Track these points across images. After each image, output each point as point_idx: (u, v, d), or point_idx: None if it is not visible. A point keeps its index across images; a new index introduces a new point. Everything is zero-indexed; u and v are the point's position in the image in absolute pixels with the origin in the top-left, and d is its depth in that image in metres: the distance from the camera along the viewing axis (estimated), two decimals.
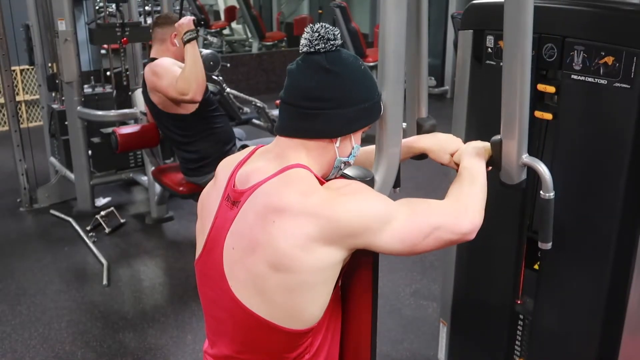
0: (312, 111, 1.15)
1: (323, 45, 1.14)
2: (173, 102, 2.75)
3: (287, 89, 1.18)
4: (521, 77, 1.29)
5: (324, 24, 1.16)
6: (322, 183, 1.16)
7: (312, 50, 1.14)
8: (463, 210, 1.20)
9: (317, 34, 1.14)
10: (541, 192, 1.36)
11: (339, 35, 1.16)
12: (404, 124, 1.61)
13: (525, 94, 1.31)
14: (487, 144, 1.38)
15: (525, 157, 1.37)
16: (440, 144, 1.38)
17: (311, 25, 1.16)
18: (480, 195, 1.26)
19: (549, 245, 1.42)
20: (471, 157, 1.32)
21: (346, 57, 1.17)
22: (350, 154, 1.21)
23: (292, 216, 1.08)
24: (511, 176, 1.39)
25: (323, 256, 1.09)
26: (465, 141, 1.39)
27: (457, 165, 1.34)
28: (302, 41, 1.16)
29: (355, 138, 1.22)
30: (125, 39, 3.83)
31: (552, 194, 1.36)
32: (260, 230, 1.10)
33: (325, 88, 1.14)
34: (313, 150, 1.17)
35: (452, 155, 1.36)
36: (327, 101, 1.14)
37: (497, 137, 1.37)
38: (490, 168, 1.39)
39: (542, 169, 1.36)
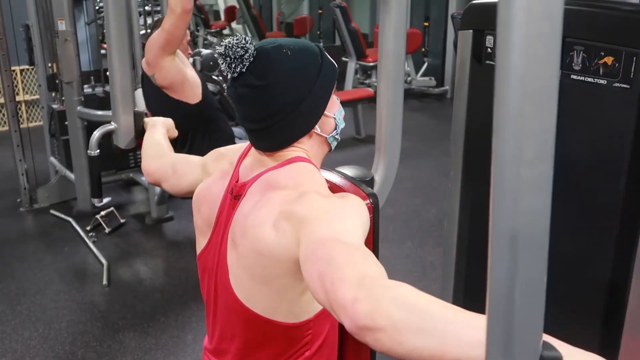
0: (273, 127, 1.12)
1: (241, 65, 1.08)
2: (173, 42, 2.64)
3: (239, 117, 1.16)
4: None
5: (228, 41, 1.08)
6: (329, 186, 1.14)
7: (235, 75, 1.10)
8: (377, 288, 0.84)
9: (229, 59, 1.08)
10: None
11: (249, 43, 1.09)
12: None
13: None
14: None
15: None
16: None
17: (218, 51, 1.10)
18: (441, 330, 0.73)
19: None
20: None
21: (267, 57, 1.10)
22: (336, 125, 1.19)
23: (279, 194, 1.07)
24: None
25: (280, 239, 1.03)
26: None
27: None
28: (222, 67, 1.10)
29: (330, 109, 1.17)
30: None
31: None
32: (251, 212, 1.10)
33: (268, 104, 1.10)
34: (302, 144, 1.16)
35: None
36: (278, 113, 1.11)
37: None
38: None
39: None
